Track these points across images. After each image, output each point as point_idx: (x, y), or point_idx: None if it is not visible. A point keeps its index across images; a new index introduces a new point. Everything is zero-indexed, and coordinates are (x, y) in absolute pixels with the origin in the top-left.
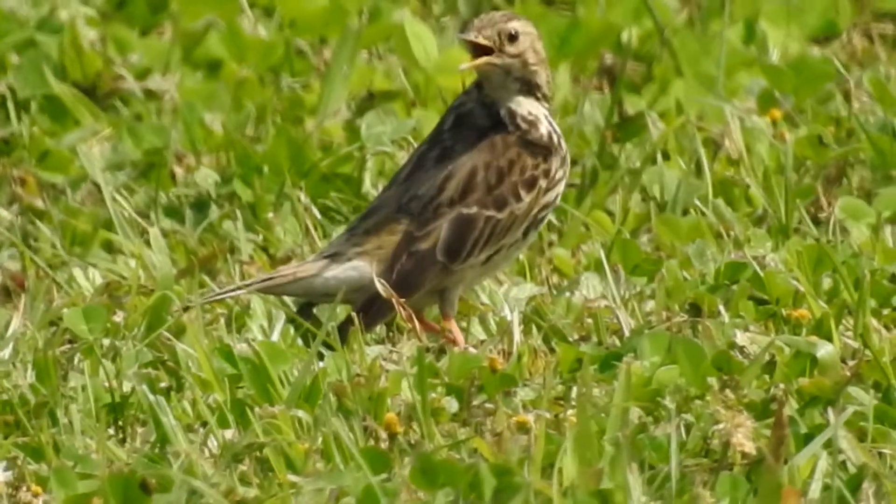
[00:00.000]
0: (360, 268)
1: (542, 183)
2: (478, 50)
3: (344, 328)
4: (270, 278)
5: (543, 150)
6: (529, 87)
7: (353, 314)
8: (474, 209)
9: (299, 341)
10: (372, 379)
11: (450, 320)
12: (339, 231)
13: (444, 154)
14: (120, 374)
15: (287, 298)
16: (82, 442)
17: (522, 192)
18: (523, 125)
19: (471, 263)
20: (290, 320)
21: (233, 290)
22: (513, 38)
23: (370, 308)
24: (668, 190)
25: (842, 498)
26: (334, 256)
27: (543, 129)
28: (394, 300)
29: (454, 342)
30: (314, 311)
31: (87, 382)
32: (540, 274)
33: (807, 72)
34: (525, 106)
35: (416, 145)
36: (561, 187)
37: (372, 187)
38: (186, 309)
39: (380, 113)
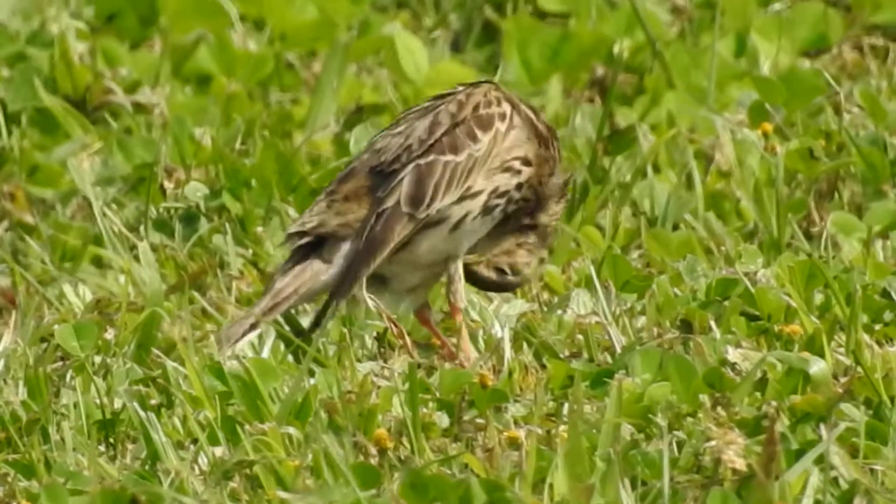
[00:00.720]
0: (347, 257)
1: (500, 125)
2: None
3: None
4: (277, 304)
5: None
6: None
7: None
8: (431, 157)
9: (290, 358)
10: (363, 395)
11: (459, 314)
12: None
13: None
14: (111, 390)
15: (280, 319)
16: (73, 459)
17: (478, 132)
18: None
19: (438, 209)
20: (280, 336)
21: (255, 327)
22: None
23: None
24: (659, 204)
25: None
26: (316, 232)
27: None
28: (384, 316)
29: (452, 356)
30: (304, 324)
31: (78, 399)
32: (530, 291)
33: (797, 85)
34: None
35: None
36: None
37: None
38: (218, 349)
39: (368, 127)
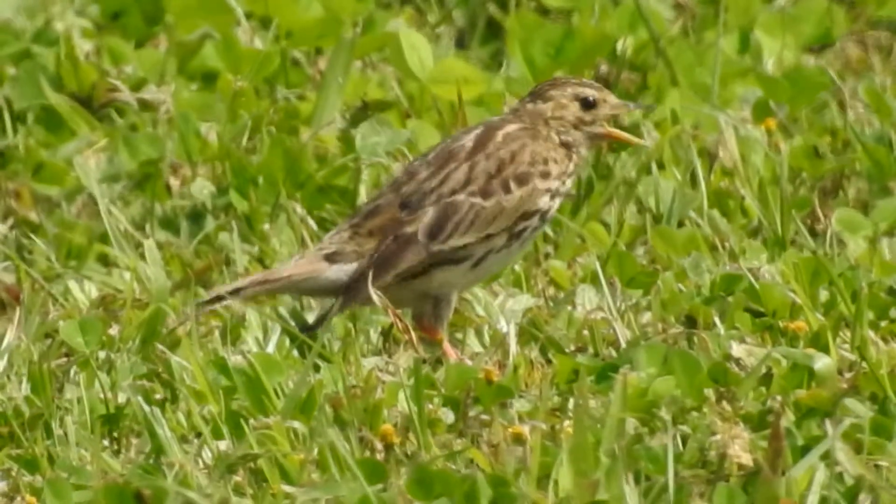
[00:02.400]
0: (355, 268)
1: (538, 182)
2: None
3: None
4: (265, 281)
5: (560, 150)
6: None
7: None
8: (462, 196)
9: (295, 353)
10: (368, 390)
11: (438, 335)
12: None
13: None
14: (115, 385)
15: (286, 314)
16: (77, 453)
17: (513, 185)
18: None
19: (451, 247)
20: (285, 332)
21: (224, 297)
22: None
23: (349, 291)
24: (664, 201)
25: None
26: (332, 256)
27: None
28: (389, 311)
29: (429, 331)
30: (310, 320)
31: (82, 394)
32: (536, 286)
33: (801, 81)
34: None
35: (410, 156)
36: (558, 202)
37: (367, 198)
38: (181, 323)
39: (374, 123)
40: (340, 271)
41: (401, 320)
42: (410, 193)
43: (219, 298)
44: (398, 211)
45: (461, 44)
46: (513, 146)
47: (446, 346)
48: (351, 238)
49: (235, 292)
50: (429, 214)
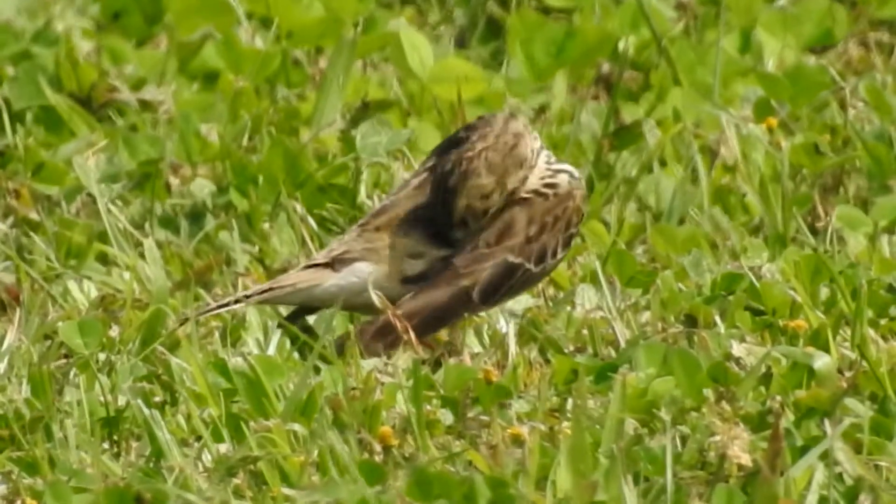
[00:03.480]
0: (361, 273)
1: (574, 241)
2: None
3: (340, 343)
4: (269, 289)
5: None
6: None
7: (358, 336)
8: (519, 259)
9: (296, 355)
10: (367, 392)
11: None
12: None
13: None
14: (115, 388)
15: (281, 309)
16: (77, 456)
17: (559, 250)
18: (546, 189)
19: (490, 307)
20: (286, 333)
21: (231, 304)
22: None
23: (383, 337)
24: (664, 199)
25: None
26: (341, 256)
27: (564, 176)
28: (390, 313)
29: (430, 346)
30: (310, 321)
31: (82, 397)
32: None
33: (803, 80)
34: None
35: (410, 156)
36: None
37: (367, 198)
38: (184, 322)
39: (374, 123)
40: (348, 278)
41: (400, 321)
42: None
43: (223, 306)
44: (410, 217)
45: (462, 43)
46: None
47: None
48: (359, 235)
49: (237, 302)
50: (488, 274)
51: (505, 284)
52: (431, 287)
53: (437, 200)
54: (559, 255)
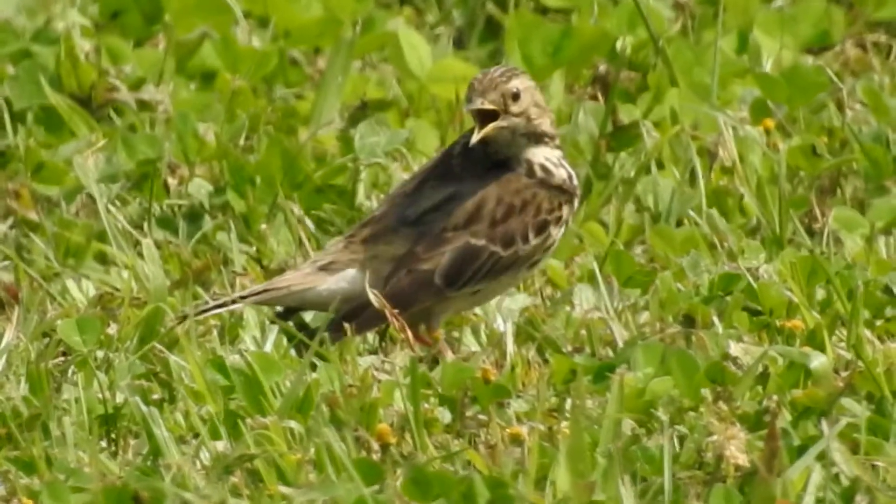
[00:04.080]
0: (353, 279)
1: (553, 230)
2: (483, 115)
3: (333, 332)
4: (265, 290)
5: (563, 194)
6: (537, 137)
7: (345, 323)
8: (482, 241)
9: (292, 352)
10: (364, 389)
11: (431, 339)
12: (331, 242)
13: (449, 177)
14: (113, 385)
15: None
16: (75, 455)
17: (531, 235)
18: (541, 173)
19: (464, 292)
20: (283, 331)
21: (226, 304)
22: (515, 97)
23: (358, 316)
24: (662, 200)
25: None
26: (328, 266)
27: (563, 172)
28: (387, 311)
29: (426, 342)
30: (306, 318)
31: (80, 394)
32: (533, 285)
33: (800, 81)
34: (539, 155)
35: (409, 156)
36: (564, 229)
37: (365, 199)
38: (180, 321)
39: (373, 123)
40: (340, 283)
41: (397, 319)
42: (413, 214)
43: (219, 306)
44: (396, 224)
45: (460, 43)
46: None
47: (442, 344)
48: (345, 247)
49: (234, 302)
50: (447, 257)
51: (469, 267)
52: (393, 274)
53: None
54: (532, 241)
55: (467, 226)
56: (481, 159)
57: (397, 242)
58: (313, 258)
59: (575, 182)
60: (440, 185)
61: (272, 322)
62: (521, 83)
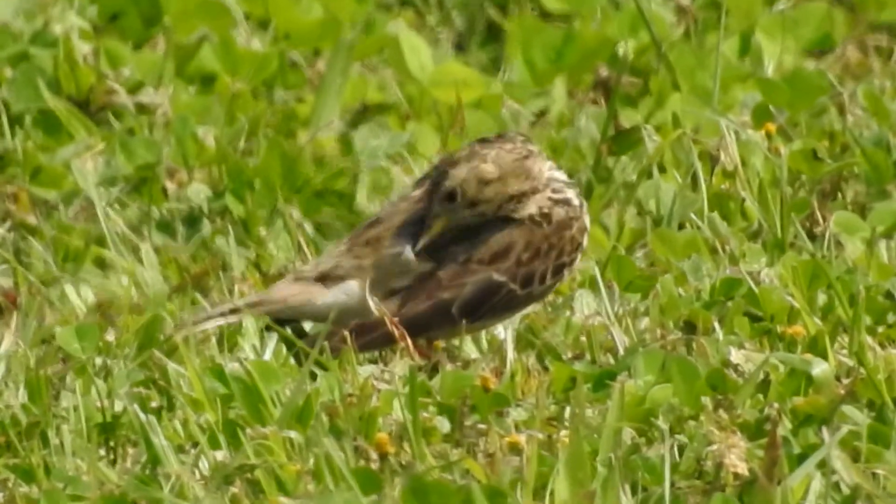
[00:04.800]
0: (352, 291)
1: (566, 271)
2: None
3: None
4: (259, 303)
5: (577, 236)
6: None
7: (347, 335)
8: (504, 278)
9: (292, 360)
10: (364, 398)
11: (430, 351)
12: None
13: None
14: (112, 393)
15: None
16: (73, 463)
17: (548, 276)
18: (542, 220)
19: (473, 327)
20: (282, 339)
21: (223, 314)
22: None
23: (366, 335)
24: (664, 204)
25: None
26: (329, 273)
27: (560, 210)
28: (387, 320)
29: (426, 355)
30: (305, 326)
31: (78, 402)
32: None
33: (801, 85)
34: (531, 206)
35: (410, 160)
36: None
37: (366, 203)
38: (177, 331)
39: (373, 126)
40: (338, 296)
41: (397, 328)
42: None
43: (214, 317)
44: (400, 232)
45: (461, 47)
46: None
47: (441, 356)
48: (348, 250)
49: (229, 313)
50: (469, 290)
51: (487, 303)
52: (412, 296)
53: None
54: (548, 282)
55: (493, 262)
56: None
57: (401, 250)
58: (313, 262)
59: (578, 203)
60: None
61: (269, 329)
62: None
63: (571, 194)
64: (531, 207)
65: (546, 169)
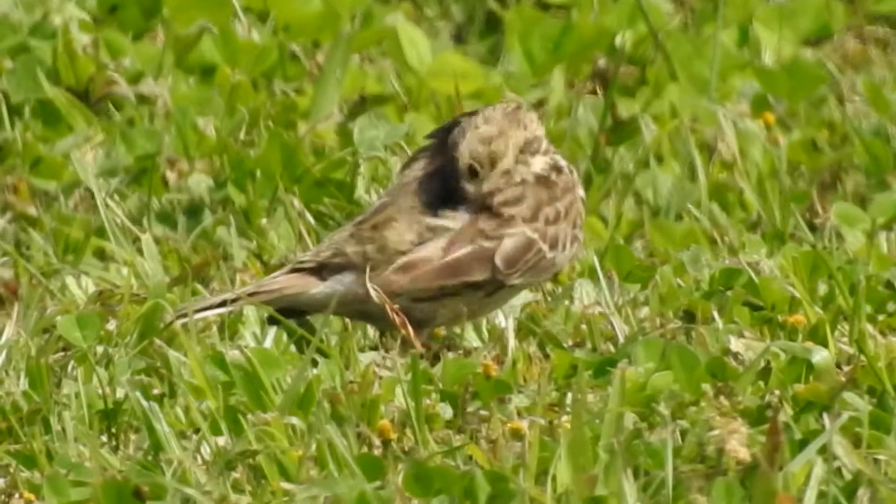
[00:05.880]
0: (348, 282)
1: (578, 245)
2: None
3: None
4: (256, 293)
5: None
6: (530, 148)
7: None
8: (536, 236)
9: (293, 348)
10: (365, 385)
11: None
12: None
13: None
14: (113, 380)
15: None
16: (75, 449)
17: (568, 245)
18: (551, 173)
19: (512, 281)
20: (283, 327)
21: (223, 304)
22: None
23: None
24: (662, 194)
25: None
26: (329, 261)
27: (567, 173)
28: (388, 307)
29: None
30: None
31: (80, 389)
32: None
33: (800, 75)
34: (538, 162)
35: (408, 150)
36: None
37: (365, 193)
38: (180, 317)
39: (372, 117)
40: (335, 287)
41: (398, 315)
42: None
43: (216, 306)
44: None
45: (459, 38)
46: None
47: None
48: (351, 236)
49: (225, 303)
50: (510, 242)
51: (523, 258)
52: (453, 240)
53: (448, 159)
54: (567, 250)
55: (529, 221)
56: None
57: (407, 236)
58: (314, 250)
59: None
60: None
61: (270, 321)
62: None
63: (564, 163)
64: (539, 163)
65: (536, 120)
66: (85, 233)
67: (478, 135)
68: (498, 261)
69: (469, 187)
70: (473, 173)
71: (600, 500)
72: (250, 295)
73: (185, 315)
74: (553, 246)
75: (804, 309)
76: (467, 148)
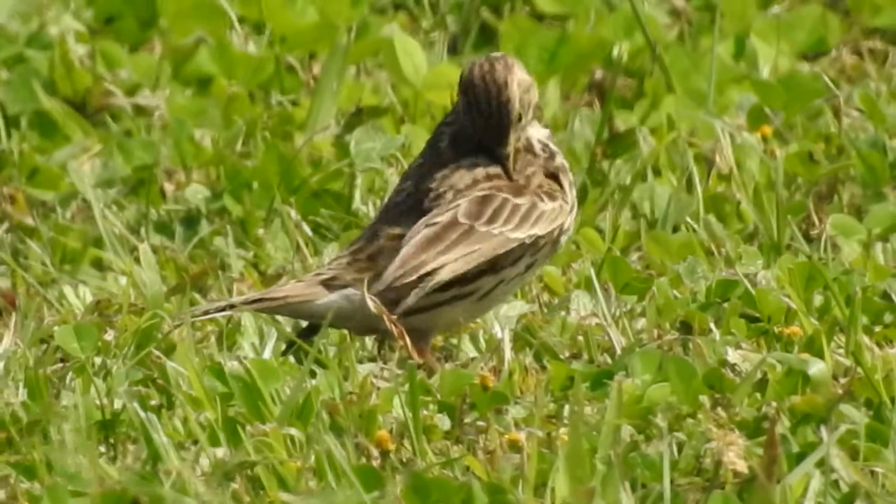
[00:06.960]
0: (351, 296)
1: (564, 203)
2: None
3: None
4: (260, 299)
5: (563, 183)
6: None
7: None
8: (490, 190)
9: (291, 359)
10: (363, 396)
11: (425, 354)
12: (329, 247)
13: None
14: (111, 391)
15: (282, 319)
16: (74, 460)
17: (545, 198)
18: (543, 152)
19: (498, 229)
20: (282, 338)
21: (224, 309)
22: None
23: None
24: (659, 206)
25: None
26: (330, 281)
27: (559, 159)
28: (385, 318)
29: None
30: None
31: (78, 400)
32: (530, 291)
33: (796, 88)
34: (535, 133)
35: (404, 162)
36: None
37: (362, 204)
38: (179, 325)
39: (368, 129)
40: (339, 301)
41: (396, 326)
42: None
43: (214, 311)
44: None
45: (455, 49)
46: None
47: (432, 361)
48: (349, 264)
49: (227, 308)
50: (464, 203)
51: (488, 207)
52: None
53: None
54: (548, 204)
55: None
56: (470, 138)
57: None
58: (317, 271)
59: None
60: (445, 171)
61: (288, 349)
62: (514, 90)
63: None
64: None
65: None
66: (82, 243)
67: (517, 80)
68: (462, 218)
69: (511, 141)
70: (519, 120)
71: None
72: (255, 301)
73: (190, 317)
74: (518, 194)
75: (801, 320)
76: (512, 92)
